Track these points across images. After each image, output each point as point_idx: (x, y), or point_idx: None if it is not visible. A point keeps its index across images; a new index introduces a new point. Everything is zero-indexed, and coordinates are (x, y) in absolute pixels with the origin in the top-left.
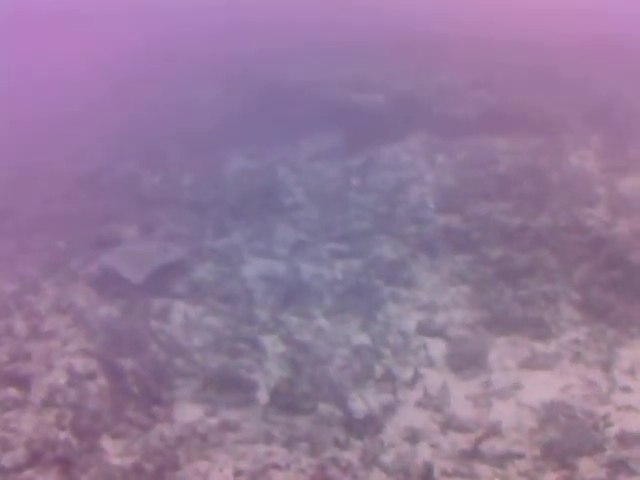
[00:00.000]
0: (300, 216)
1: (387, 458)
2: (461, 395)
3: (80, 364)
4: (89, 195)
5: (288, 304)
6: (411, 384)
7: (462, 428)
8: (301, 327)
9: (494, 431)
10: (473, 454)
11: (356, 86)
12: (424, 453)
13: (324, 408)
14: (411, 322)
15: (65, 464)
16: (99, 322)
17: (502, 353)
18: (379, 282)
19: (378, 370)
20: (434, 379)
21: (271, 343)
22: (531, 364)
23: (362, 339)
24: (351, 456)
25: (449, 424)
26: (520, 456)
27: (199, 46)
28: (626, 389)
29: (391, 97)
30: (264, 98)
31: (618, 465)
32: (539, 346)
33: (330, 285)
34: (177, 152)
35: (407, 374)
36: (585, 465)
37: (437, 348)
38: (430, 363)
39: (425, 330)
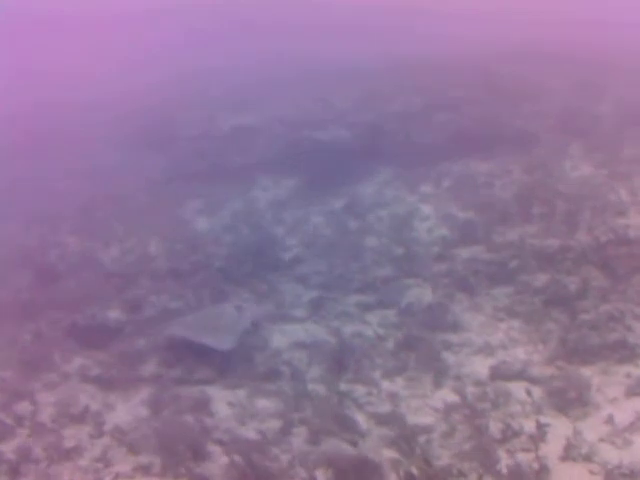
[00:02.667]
0: (307, 270)
1: None
2: (594, 438)
3: None
4: (40, 276)
5: (340, 372)
6: (541, 436)
7: (633, 475)
8: (371, 396)
9: None
10: None
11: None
12: None
13: None
14: (481, 369)
15: None
16: (133, 426)
17: (599, 384)
18: (423, 331)
19: (493, 429)
20: (557, 426)
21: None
22: (633, 391)
23: (444, 397)
24: None
25: (613, 475)
26: None
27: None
28: None
29: (353, 130)
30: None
31: None
32: (632, 370)
33: (374, 342)
34: (119, 217)
35: (527, 426)
36: None
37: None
38: (538, 410)
39: (502, 375)
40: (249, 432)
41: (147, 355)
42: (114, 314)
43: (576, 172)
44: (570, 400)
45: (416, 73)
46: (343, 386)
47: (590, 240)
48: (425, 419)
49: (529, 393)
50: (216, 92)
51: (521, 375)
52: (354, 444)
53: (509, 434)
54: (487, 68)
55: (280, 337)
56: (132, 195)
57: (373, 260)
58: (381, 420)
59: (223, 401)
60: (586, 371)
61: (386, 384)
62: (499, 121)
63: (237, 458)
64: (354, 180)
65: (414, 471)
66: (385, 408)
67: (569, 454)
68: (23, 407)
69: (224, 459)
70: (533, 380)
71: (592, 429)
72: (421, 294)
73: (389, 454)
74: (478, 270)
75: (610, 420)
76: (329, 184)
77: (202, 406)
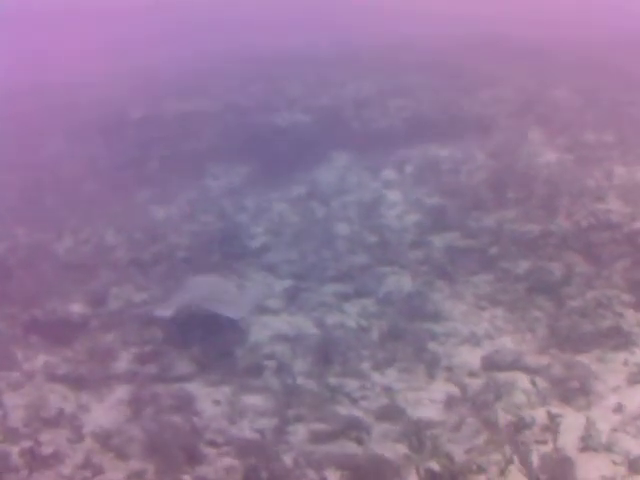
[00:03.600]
0: (277, 259)
1: None
2: (607, 428)
3: None
4: None
5: (327, 365)
6: (554, 427)
7: None
8: (365, 389)
9: None
10: None
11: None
12: None
13: None
14: (472, 359)
15: None
16: (115, 429)
17: (598, 372)
18: (406, 321)
19: (501, 420)
20: (569, 417)
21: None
22: (635, 378)
23: (441, 389)
24: None
25: (637, 464)
26: None
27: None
28: None
29: (307, 115)
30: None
31: None
32: (629, 357)
33: (358, 333)
34: (68, 207)
35: (537, 417)
36: None
37: (527, 382)
38: (543, 400)
39: (496, 365)
40: (243, 431)
41: (117, 351)
42: (77, 308)
43: (543, 157)
44: (572, 389)
45: (369, 60)
46: (333, 380)
47: (571, 225)
48: (427, 412)
49: (534, 383)
50: (167, 79)
51: (516, 365)
52: (360, 441)
53: (520, 426)
54: (445, 58)
55: (258, 329)
56: (80, 184)
57: (346, 248)
58: (381, 415)
59: (208, 399)
60: (582, 359)
61: (377, 377)
62: (456, 107)
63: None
64: (310, 166)
65: (435, 467)
66: (382, 402)
67: (588, 445)
68: None
69: (222, 461)
70: (529, 370)
71: (603, 419)
72: (399, 282)
73: (400, 450)
74: (456, 257)
75: (619, 409)
76: (284, 171)
77: (186, 405)
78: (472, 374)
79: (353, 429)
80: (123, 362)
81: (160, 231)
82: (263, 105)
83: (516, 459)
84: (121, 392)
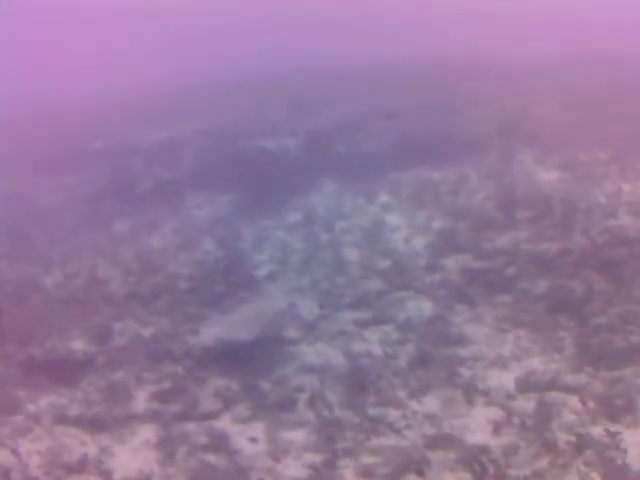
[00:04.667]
0: (287, 287)
1: None
2: None
3: None
4: None
5: (361, 395)
6: (617, 445)
7: None
8: (407, 419)
9: None
10: None
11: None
12: None
13: None
14: (506, 381)
15: None
16: (148, 473)
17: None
18: (430, 346)
19: (560, 443)
20: (625, 434)
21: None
22: None
23: (484, 414)
24: None
25: None
26: None
27: None
28: None
29: (291, 140)
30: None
31: None
32: None
33: (385, 361)
34: (50, 239)
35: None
36: None
37: (573, 401)
38: (593, 420)
39: (534, 386)
40: (290, 469)
41: (132, 389)
42: (79, 345)
43: (540, 176)
44: (618, 407)
45: (352, 82)
46: (371, 410)
47: (588, 242)
48: (478, 438)
49: (584, 402)
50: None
51: (554, 385)
52: (420, 473)
53: (582, 445)
54: (425, 78)
55: (281, 360)
56: (60, 214)
57: (360, 274)
58: (432, 444)
59: (242, 436)
60: (621, 376)
61: (415, 405)
62: (443, 128)
63: None
64: (299, 192)
65: None
66: (428, 431)
67: None
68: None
69: None
70: (569, 389)
71: None
72: (418, 307)
73: (463, 478)
74: (473, 279)
75: None
76: (269, 198)
77: (221, 443)
78: (510, 396)
79: (410, 461)
80: (141, 401)
81: (156, 262)
82: (244, 130)
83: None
84: (146, 433)
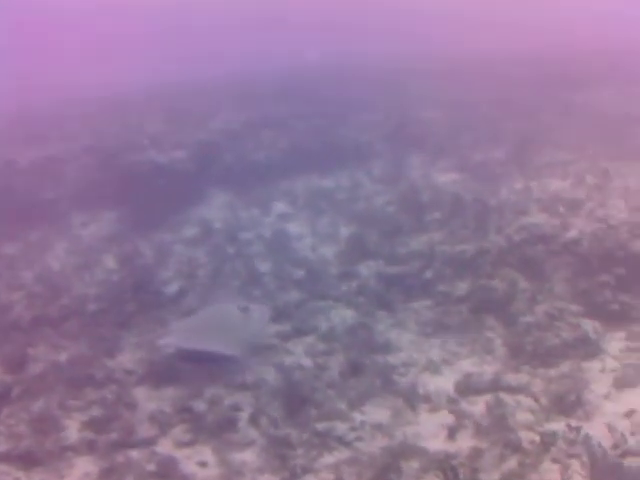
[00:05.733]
0: (199, 303)
1: None
2: (627, 432)
3: None
4: None
5: (304, 411)
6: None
7: None
8: (356, 430)
9: None
10: None
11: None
12: None
13: None
14: (445, 385)
15: None
16: None
17: (582, 382)
18: (358, 355)
19: (524, 442)
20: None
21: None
22: (620, 383)
23: (434, 421)
24: None
25: None
26: None
27: None
28: None
29: (175, 152)
30: None
31: None
32: (607, 363)
33: (316, 373)
34: None
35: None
36: None
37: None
38: (547, 417)
39: (476, 388)
40: None
41: (58, 419)
42: None
43: (439, 178)
44: (567, 402)
45: (229, 90)
46: (318, 425)
47: (504, 241)
48: (436, 444)
49: (537, 400)
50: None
51: (496, 386)
52: None
53: (547, 443)
54: (310, 86)
55: (209, 378)
56: None
57: (275, 284)
58: (394, 455)
59: (189, 460)
60: (559, 372)
61: (359, 415)
62: (329, 135)
63: None
64: (189, 205)
65: None
66: (381, 442)
67: (626, 449)
68: None
69: None
70: (513, 389)
71: (619, 425)
72: (338, 316)
73: None
74: (390, 285)
75: (631, 413)
76: (158, 212)
77: (170, 471)
78: (452, 401)
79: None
80: (73, 430)
81: (60, 283)
82: (124, 145)
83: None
84: (85, 465)
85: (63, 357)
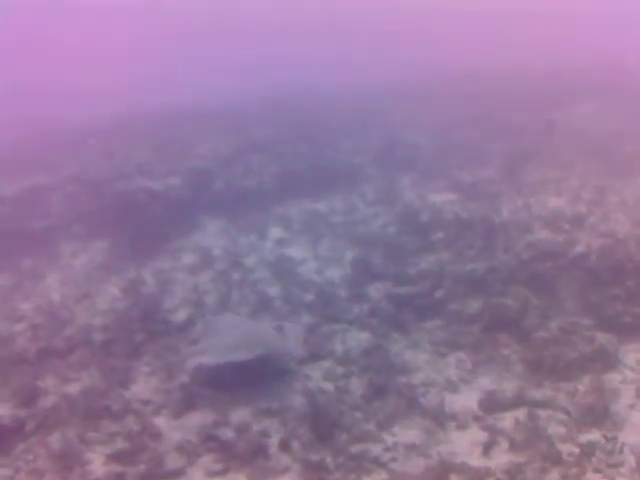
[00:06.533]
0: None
1: None
2: None
3: None
4: None
5: (333, 435)
6: (620, 449)
7: None
8: (390, 451)
9: None
10: None
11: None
12: None
13: None
14: (470, 404)
15: None
16: None
17: (606, 394)
18: (376, 377)
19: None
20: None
21: None
22: None
23: (465, 438)
24: None
25: None
26: None
27: None
28: None
29: (165, 181)
30: None
31: None
32: (626, 374)
33: (339, 397)
34: None
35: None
36: None
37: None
38: (580, 429)
39: (501, 405)
40: None
41: (80, 452)
42: (4, 410)
43: (434, 199)
44: (596, 414)
45: (213, 118)
46: (351, 448)
47: (512, 259)
48: (474, 461)
49: (568, 413)
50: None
51: (522, 401)
52: None
53: (585, 454)
54: (289, 110)
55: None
56: None
57: (286, 309)
58: (439, 472)
59: None
60: (581, 385)
61: (389, 437)
62: (317, 159)
63: None
64: (181, 233)
65: None
66: (417, 462)
67: None
68: None
69: None
70: (538, 403)
71: None
72: (353, 338)
73: None
74: (402, 306)
75: None
76: (149, 242)
77: None
78: (479, 418)
79: None
80: (97, 464)
81: (61, 314)
82: (110, 174)
83: None
84: None
85: (74, 389)
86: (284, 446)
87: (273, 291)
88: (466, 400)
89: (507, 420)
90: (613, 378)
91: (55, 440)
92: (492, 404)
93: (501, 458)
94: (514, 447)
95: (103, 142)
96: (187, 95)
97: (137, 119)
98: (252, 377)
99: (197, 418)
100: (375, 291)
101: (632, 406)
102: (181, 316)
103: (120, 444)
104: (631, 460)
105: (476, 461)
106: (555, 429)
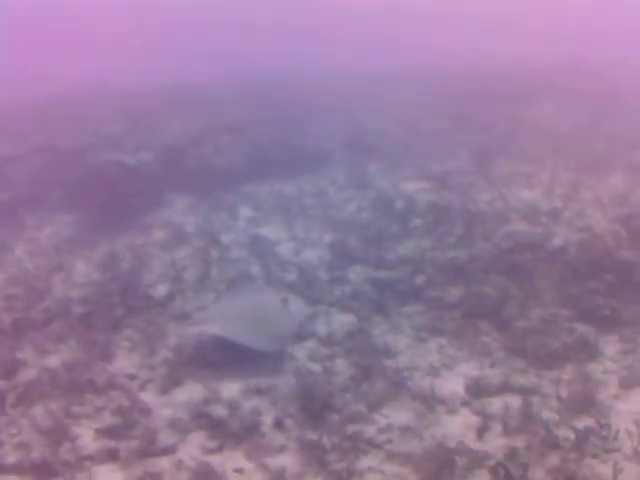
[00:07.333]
0: (189, 308)
1: None
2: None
3: None
4: None
5: (325, 415)
6: (615, 434)
7: None
8: (384, 433)
9: None
10: None
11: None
12: None
13: None
14: (456, 389)
15: None
16: None
17: (590, 383)
18: (361, 359)
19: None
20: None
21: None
22: (626, 383)
23: (457, 422)
24: None
25: None
26: None
27: None
28: None
29: (134, 155)
30: None
31: None
32: (607, 365)
33: (327, 378)
34: None
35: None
36: None
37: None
38: (571, 416)
39: (488, 390)
40: None
41: (67, 427)
42: None
43: (408, 186)
44: (583, 402)
45: (189, 96)
46: (345, 429)
47: (493, 249)
48: (470, 445)
49: (560, 399)
50: None
51: (509, 387)
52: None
53: (582, 439)
54: (265, 92)
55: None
56: None
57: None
58: (433, 454)
59: (225, 467)
60: (565, 373)
61: (381, 419)
62: (287, 141)
63: None
64: (149, 209)
65: None
66: (413, 443)
67: None
68: None
69: None
70: (524, 390)
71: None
72: (336, 321)
73: None
74: (383, 290)
75: None
76: (117, 217)
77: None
78: (467, 403)
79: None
80: (87, 439)
81: (38, 285)
82: (80, 146)
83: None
84: (110, 475)
85: (54, 362)
86: (278, 425)
87: (255, 270)
88: (451, 385)
89: (496, 405)
90: (595, 368)
91: (39, 414)
92: (479, 389)
93: (496, 442)
94: (508, 431)
95: (73, 114)
96: (168, 77)
97: (112, 96)
98: (241, 355)
99: (185, 394)
100: (355, 274)
101: (616, 396)
102: (161, 291)
103: (109, 419)
104: (627, 445)
105: (472, 445)
106: (547, 415)
